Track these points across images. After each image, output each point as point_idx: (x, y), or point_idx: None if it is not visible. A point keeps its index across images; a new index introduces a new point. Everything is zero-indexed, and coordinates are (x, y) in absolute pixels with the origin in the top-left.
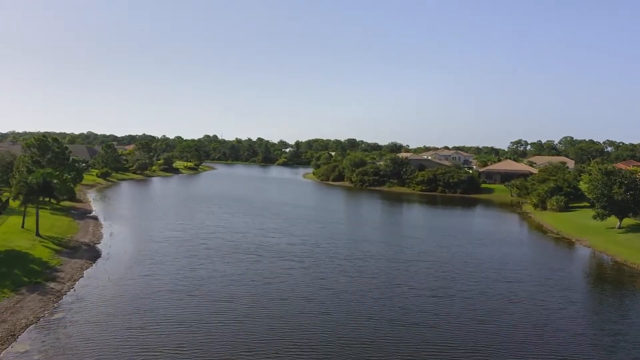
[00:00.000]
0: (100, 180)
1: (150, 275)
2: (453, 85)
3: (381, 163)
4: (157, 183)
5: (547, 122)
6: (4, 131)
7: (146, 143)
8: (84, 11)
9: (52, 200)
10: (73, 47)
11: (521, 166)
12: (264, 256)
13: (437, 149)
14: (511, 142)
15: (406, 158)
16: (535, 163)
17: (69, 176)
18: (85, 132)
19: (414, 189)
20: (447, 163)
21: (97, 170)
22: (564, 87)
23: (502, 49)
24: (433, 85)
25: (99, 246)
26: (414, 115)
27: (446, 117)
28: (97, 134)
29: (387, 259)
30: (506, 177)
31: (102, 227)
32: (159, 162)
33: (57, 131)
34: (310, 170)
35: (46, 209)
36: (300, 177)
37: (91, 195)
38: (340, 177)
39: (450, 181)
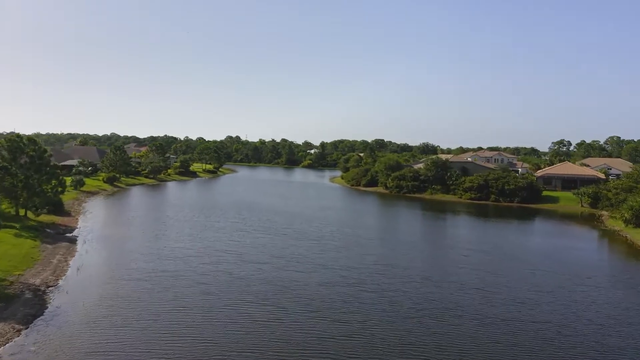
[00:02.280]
0: (105, 185)
1: (100, 353)
2: (482, 83)
3: (420, 166)
4: (170, 189)
5: (585, 121)
6: (28, 132)
7: (160, 144)
8: (107, 10)
9: (30, 215)
10: (94, 48)
11: (585, 170)
12: (285, 309)
13: (476, 149)
14: (553, 143)
15: (447, 160)
16: (589, 165)
17: (48, 186)
18: (108, 134)
19: (460, 197)
20: (491, 166)
21: (104, 175)
22: (603, 84)
23: (532, 46)
24: (460, 82)
25: (51, 292)
26: (442, 114)
27: (476, 116)
28: (119, 135)
29: (473, 317)
30: (568, 182)
31: (73, 256)
32: (175, 164)
33: (81, 132)
34: (337, 173)
35: (14, 227)
36: (327, 181)
37: (86, 206)
38: (372, 182)
39: (506, 188)
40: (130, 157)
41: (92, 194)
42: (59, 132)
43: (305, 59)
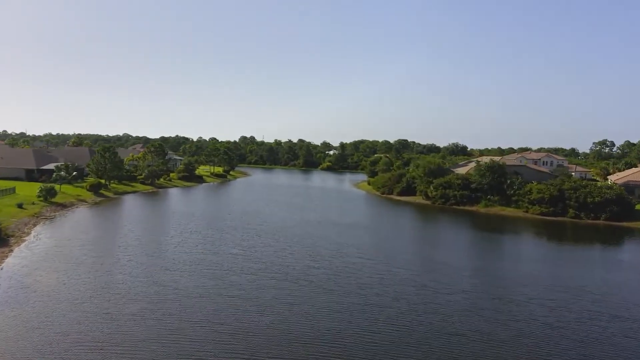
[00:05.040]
0: (87, 195)
1: None
2: (504, 82)
3: (462, 170)
4: (167, 198)
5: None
6: (39, 134)
7: (160, 144)
8: (114, 10)
9: None
10: (105, 48)
11: None
12: None
13: (521, 150)
14: (594, 143)
15: (504, 164)
16: None
17: None
18: (120, 134)
19: (526, 211)
20: (544, 170)
21: (91, 180)
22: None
23: (565, 43)
24: (480, 81)
25: None
26: (463, 113)
27: (500, 115)
28: (131, 136)
29: None
30: None
31: None
32: (178, 168)
33: (93, 133)
34: (360, 176)
35: None
36: (352, 187)
37: (44, 226)
38: (409, 190)
39: (589, 200)
40: (126, 160)
41: (64, 206)
42: (71, 133)
43: (319, 59)
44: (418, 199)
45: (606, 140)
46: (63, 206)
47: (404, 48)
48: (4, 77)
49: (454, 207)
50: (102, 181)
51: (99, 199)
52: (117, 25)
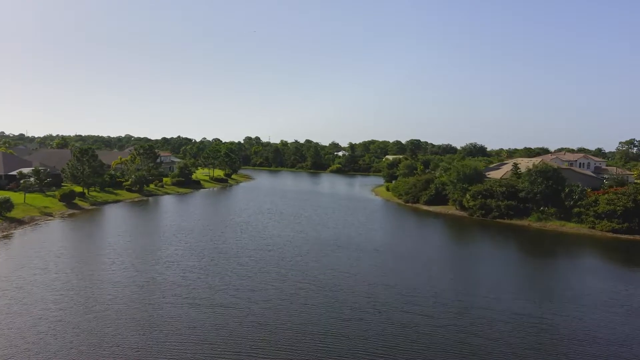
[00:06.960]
0: (58, 206)
1: None
2: (515, 80)
3: (502, 175)
4: (155, 208)
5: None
6: (42, 135)
7: (150, 146)
8: (119, 12)
9: None
10: (108, 48)
11: None
12: None
13: (554, 151)
14: (620, 142)
15: (559, 168)
16: None
17: None
18: (122, 135)
19: (593, 227)
20: (590, 173)
21: (65, 188)
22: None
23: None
24: (496, 78)
25: None
26: (468, 112)
27: (503, 115)
28: (132, 136)
29: None
30: None
31: None
32: (174, 172)
33: (95, 134)
34: (371, 180)
35: None
36: (367, 193)
37: None
38: (438, 198)
39: None
40: (113, 164)
41: (21, 223)
42: (72, 134)
43: (319, 58)
44: (451, 210)
45: (634, 139)
46: (19, 222)
47: (404, 48)
48: (4, 78)
49: (498, 220)
50: (79, 189)
51: (70, 211)
52: (117, 25)
